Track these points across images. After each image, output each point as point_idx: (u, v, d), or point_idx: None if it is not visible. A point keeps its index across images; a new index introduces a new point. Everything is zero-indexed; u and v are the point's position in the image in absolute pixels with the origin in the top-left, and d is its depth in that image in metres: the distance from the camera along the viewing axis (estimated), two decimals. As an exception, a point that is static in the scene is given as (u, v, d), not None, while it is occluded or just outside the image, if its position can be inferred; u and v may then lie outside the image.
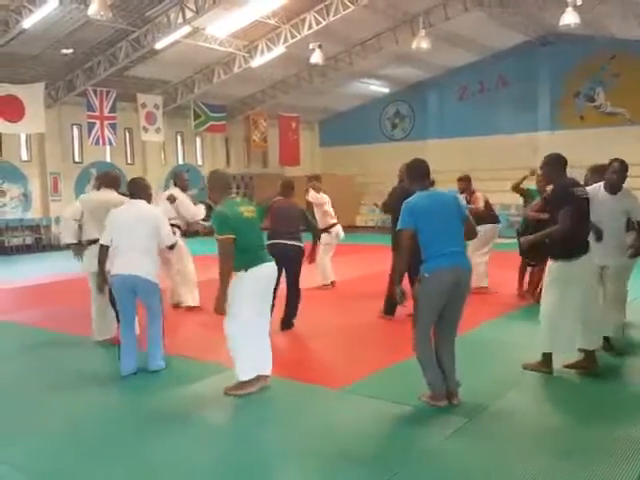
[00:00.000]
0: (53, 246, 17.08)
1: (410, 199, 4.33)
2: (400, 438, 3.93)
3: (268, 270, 4.66)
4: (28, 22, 12.39)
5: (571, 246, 4.77)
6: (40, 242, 17.10)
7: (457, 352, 4.39)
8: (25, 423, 4.30)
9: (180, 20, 13.75)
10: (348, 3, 14.62)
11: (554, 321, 4.86)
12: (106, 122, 17.19)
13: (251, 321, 4.53)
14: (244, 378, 4.61)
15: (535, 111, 20.22)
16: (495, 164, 19.02)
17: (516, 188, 8.24)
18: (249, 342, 4.55)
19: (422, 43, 15.40)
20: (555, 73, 19.70)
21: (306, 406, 4.55)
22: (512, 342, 6.02)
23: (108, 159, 18.78)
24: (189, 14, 13.57)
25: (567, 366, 5.03)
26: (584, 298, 4.83)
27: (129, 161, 19.46)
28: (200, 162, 21.48)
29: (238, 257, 4.45)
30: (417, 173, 4.51)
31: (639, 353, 5.70)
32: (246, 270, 4.48)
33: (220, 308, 4.47)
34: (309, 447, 3.81)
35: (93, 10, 10.84)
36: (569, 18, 13.24)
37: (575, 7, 13.10)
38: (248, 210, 4.63)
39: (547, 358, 5.00)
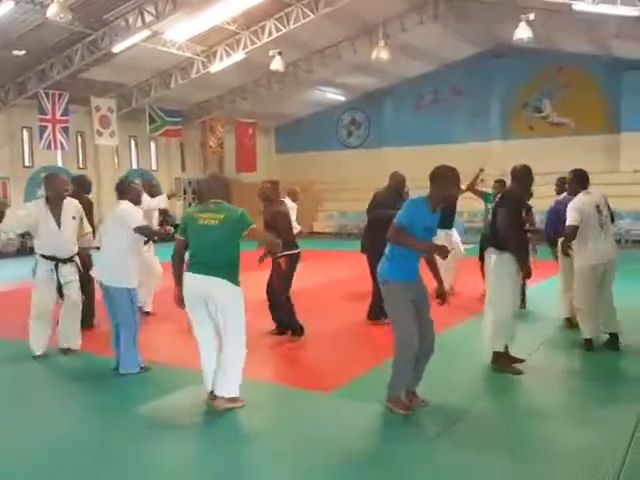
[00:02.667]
0: (2, 253, 16.50)
1: None
2: (389, 439, 4.00)
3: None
4: (-20, 22, 11.99)
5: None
6: (-12, 249, 16.48)
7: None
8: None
9: (139, 24, 13.56)
10: (308, 12, 14.74)
11: None
12: (58, 125, 16.76)
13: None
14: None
15: (487, 121, 20.82)
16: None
17: (472, 189, 8.42)
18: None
19: (382, 53, 15.68)
20: (506, 84, 20.35)
21: (293, 411, 4.60)
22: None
23: (60, 163, 18.29)
24: (148, 18, 13.41)
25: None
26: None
27: (81, 165, 18.98)
28: (155, 167, 21.17)
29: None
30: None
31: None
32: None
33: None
34: (297, 452, 3.84)
35: (52, 12, 10.58)
36: (522, 33, 13.73)
37: (528, 22, 13.60)
38: (209, 217, 4.50)
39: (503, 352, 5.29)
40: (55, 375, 5.69)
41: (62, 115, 16.71)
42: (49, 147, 16.81)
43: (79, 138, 18.81)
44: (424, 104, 21.96)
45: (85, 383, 5.31)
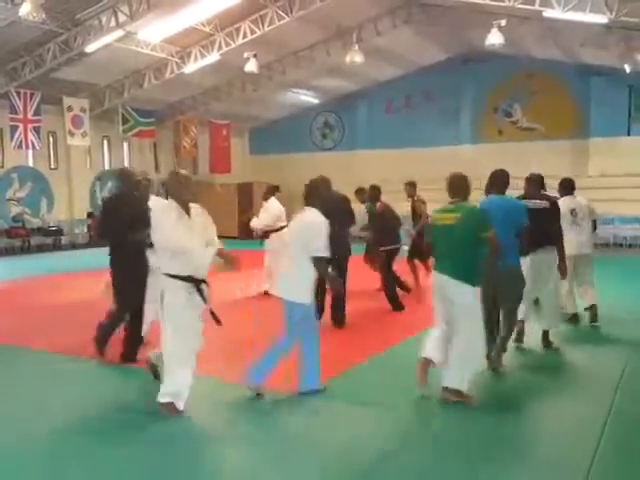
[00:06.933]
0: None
1: None
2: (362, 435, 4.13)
3: None
4: (-50, 19, 11.82)
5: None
6: (-42, 250, 16.21)
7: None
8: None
9: (112, 24, 13.50)
10: (283, 14, 14.83)
11: None
12: (30, 125, 16.57)
13: None
14: None
15: (457, 125, 21.13)
16: (419, 175, 19.59)
17: None
18: None
19: (356, 57, 15.83)
20: (477, 89, 20.67)
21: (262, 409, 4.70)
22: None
23: (31, 163, 18.11)
24: (122, 18, 13.35)
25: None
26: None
27: (52, 166, 18.77)
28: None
29: None
30: None
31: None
32: None
33: None
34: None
35: (25, 10, 10.47)
36: (494, 38, 13.96)
37: (499, 28, 13.87)
38: None
39: None
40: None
41: (34, 115, 16.53)
42: (20, 147, 16.61)
43: (51, 138, 18.58)
44: (395, 107, 22.17)
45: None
